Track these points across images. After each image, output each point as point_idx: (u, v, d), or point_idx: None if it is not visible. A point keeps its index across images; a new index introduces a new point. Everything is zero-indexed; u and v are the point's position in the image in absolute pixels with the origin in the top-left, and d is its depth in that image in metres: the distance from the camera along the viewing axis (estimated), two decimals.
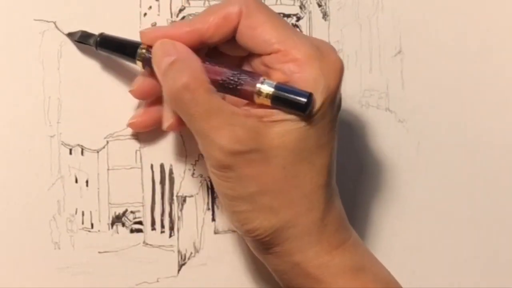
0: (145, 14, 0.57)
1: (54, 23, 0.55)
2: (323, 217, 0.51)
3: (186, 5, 0.57)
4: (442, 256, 0.61)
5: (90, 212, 0.56)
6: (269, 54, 0.50)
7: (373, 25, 0.60)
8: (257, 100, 0.49)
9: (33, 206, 0.55)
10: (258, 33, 0.50)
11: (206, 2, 0.57)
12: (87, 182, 0.56)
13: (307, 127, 0.49)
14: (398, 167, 0.60)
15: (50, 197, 0.55)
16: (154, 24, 0.56)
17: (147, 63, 0.52)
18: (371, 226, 0.60)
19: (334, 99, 0.50)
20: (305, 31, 0.58)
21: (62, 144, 0.55)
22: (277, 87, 0.49)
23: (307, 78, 0.49)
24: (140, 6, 0.57)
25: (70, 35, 0.55)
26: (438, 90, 0.60)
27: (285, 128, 0.49)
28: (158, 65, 0.51)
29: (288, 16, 0.59)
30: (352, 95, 0.59)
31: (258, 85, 0.49)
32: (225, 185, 0.50)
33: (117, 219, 0.56)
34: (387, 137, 0.60)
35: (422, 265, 0.60)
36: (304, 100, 0.48)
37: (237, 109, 0.49)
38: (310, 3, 0.59)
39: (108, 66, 0.56)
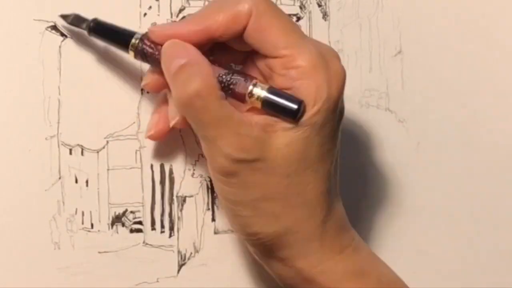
0: (145, 14, 0.57)
1: (54, 23, 0.55)
2: (325, 222, 0.51)
3: (186, 5, 0.57)
4: (442, 256, 0.61)
5: (90, 212, 0.56)
6: (275, 57, 0.50)
7: (373, 25, 0.60)
8: (248, 101, 0.50)
9: (33, 206, 0.55)
10: (266, 36, 0.50)
11: (206, 2, 0.57)
12: (87, 182, 0.56)
13: (311, 136, 0.49)
14: (398, 167, 0.60)
15: (50, 197, 0.55)
16: (154, 24, 0.56)
17: (139, 54, 0.52)
18: (371, 226, 0.60)
19: (336, 107, 0.50)
20: (305, 31, 0.58)
21: (62, 144, 0.55)
22: (269, 91, 0.49)
23: (310, 86, 0.49)
24: (140, 6, 0.57)
25: (63, 17, 0.54)
26: (438, 90, 0.60)
27: (289, 138, 0.49)
28: (168, 66, 0.50)
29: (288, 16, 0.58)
30: (352, 95, 0.59)
31: (250, 87, 0.49)
32: (227, 190, 0.50)
33: (117, 219, 0.56)
34: (387, 137, 0.60)
35: (422, 265, 0.60)
36: (295, 106, 0.48)
37: (244, 117, 0.49)
38: (310, 3, 0.59)
39: (108, 66, 0.56)
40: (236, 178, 0.49)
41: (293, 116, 0.49)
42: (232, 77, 0.50)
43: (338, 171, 0.53)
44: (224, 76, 0.50)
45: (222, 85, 0.50)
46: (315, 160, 0.50)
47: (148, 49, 0.51)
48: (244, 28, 0.50)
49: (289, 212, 0.50)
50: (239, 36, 0.51)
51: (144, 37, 0.52)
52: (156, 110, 0.55)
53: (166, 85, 0.52)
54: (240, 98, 0.50)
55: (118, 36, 0.53)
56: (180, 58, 0.49)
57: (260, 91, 0.49)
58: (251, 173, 0.49)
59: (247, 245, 0.52)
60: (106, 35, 0.53)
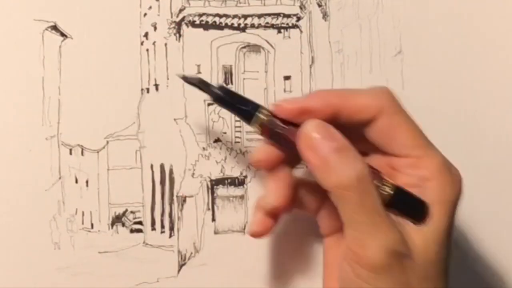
0: (145, 14, 0.57)
1: (54, 23, 0.55)
2: None
3: (186, 5, 0.57)
4: None
5: (90, 212, 0.56)
6: (403, 157, 0.50)
7: (373, 25, 0.60)
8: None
9: (33, 206, 0.55)
10: (397, 134, 0.50)
11: (206, 2, 0.58)
12: (87, 182, 0.56)
13: (443, 237, 0.49)
14: None
15: (50, 198, 0.55)
16: (154, 24, 0.56)
17: (267, 132, 0.50)
18: None
19: (455, 210, 0.50)
20: (305, 31, 0.58)
21: (62, 144, 0.55)
22: (397, 191, 0.49)
23: (438, 188, 0.49)
24: (140, 6, 0.57)
25: (184, 78, 0.52)
26: (438, 90, 0.60)
27: (429, 237, 0.48)
28: (314, 148, 0.48)
29: (288, 16, 0.59)
30: None
31: (377, 184, 0.48)
32: None
33: (117, 219, 0.56)
34: None
35: None
36: (421, 208, 0.48)
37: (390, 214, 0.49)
38: (310, 3, 0.59)
39: (108, 66, 0.56)
40: (386, 275, 0.47)
41: (419, 219, 0.48)
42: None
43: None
44: None
45: None
46: (445, 267, 0.49)
47: (279, 127, 0.50)
48: (368, 121, 0.50)
49: None
50: (361, 126, 0.50)
51: (268, 111, 0.50)
52: (257, 207, 0.52)
53: (278, 164, 0.51)
54: None
55: (242, 110, 0.50)
56: (334, 141, 0.48)
57: (388, 190, 0.49)
58: (401, 271, 0.47)
59: None
60: (231, 105, 0.51)
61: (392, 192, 0.49)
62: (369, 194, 0.47)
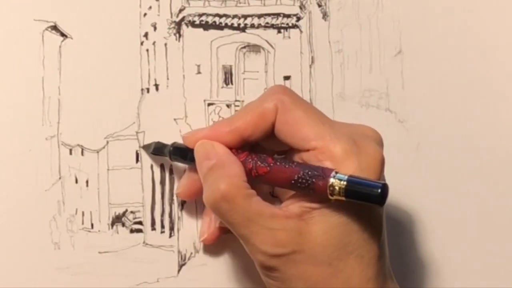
0: (145, 14, 0.57)
1: (54, 23, 0.55)
2: None
3: (186, 5, 0.57)
4: (442, 256, 0.61)
5: (90, 212, 0.56)
6: (307, 150, 0.50)
7: (373, 25, 0.60)
8: (331, 198, 0.48)
9: (33, 206, 0.55)
10: (295, 130, 0.50)
11: (206, 2, 0.57)
12: (87, 182, 0.56)
13: (350, 221, 0.49)
14: (398, 167, 0.60)
15: (50, 198, 0.55)
16: (154, 24, 0.56)
17: None
18: None
19: None
20: (305, 31, 0.58)
21: (62, 144, 0.55)
22: (350, 181, 0.48)
23: (344, 173, 0.48)
24: (140, 6, 0.57)
25: (144, 147, 0.56)
26: (438, 90, 0.60)
27: (327, 224, 0.49)
28: (200, 168, 0.51)
29: (288, 16, 0.59)
30: (352, 95, 0.59)
31: (331, 180, 0.48)
32: (272, 283, 0.50)
33: (117, 219, 0.56)
34: (387, 137, 0.60)
35: (422, 265, 0.60)
36: (378, 191, 0.47)
37: (277, 211, 0.49)
38: (310, 3, 0.59)
39: (108, 66, 0.56)
40: (277, 272, 0.49)
41: (379, 202, 0.47)
42: (310, 175, 0.49)
43: (387, 256, 0.51)
44: (302, 177, 0.49)
45: (303, 186, 0.49)
46: (358, 245, 0.49)
47: None
48: (273, 125, 0.51)
49: None
50: (269, 134, 0.51)
51: None
52: (206, 212, 0.56)
53: (199, 192, 0.52)
54: (322, 195, 0.48)
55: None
56: (210, 159, 0.50)
57: (340, 183, 0.48)
58: (292, 266, 0.49)
59: None
60: (185, 156, 0.54)
61: (345, 183, 0.48)
62: (234, 211, 0.49)
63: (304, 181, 0.49)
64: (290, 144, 0.51)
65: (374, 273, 0.50)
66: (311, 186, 0.49)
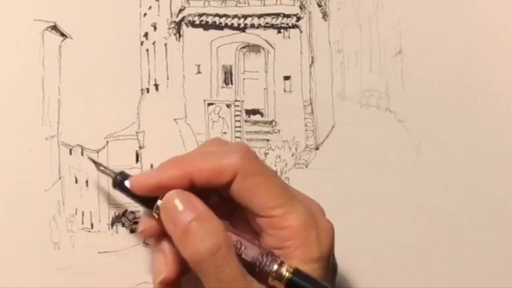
0: (145, 14, 0.57)
1: (54, 23, 0.55)
2: None
3: (186, 5, 0.57)
4: (442, 256, 0.61)
5: (90, 212, 0.56)
6: (264, 217, 0.49)
7: (373, 25, 0.60)
8: (271, 282, 0.48)
9: (33, 206, 0.55)
10: (254, 196, 0.49)
11: (206, 2, 0.57)
12: (87, 182, 0.56)
13: None
14: (398, 167, 0.60)
15: (50, 198, 0.55)
16: (154, 24, 0.56)
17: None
18: (371, 226, 0.60)
19: (329, 264, 0.50)
20: (305, 31, 0.58)
21: (62, 144, 0.55)
22: (296, 274, 0.48)
23: (301, 246, 0.48)
24: (140, 6, 0.57)
25: (93, 161, 0.54)
26: (438, 90, 0.60)
27: None
28: (174, 220, 0.48)
29: (288, 16, 0.59)
30: (352, 95, 0.59)
31: (275, 267, 0.48)
32: None
33: (117, 219, 0.56)
34: (387, 137, 0.60)
35: (422, 265, 0.60)
36: None
37: (256, 283, 0.48)
38: (310, 3, 0.59)
39: (109, 66, 0.56)
40: None
41: None
42: (267, 259, 0.48)
43: None
44: (261, 260, 0.48)
45: (257, 270, 0.48)
46: None
47: None
48: (228, 183, 0.49)
49: None
50: (223, 188, 0.49)
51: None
52: (157, 248, 0.52)
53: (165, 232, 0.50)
54: (264, 277, 0.48)
55: (141, 198, 0.50)
56: (190, 212, 0.48)
57: (285, 272, 0.48)
58: None
59: None
60: (128, 192, 0.51)
61: (290, 275, 0.48)
62: (224, 266, 0.47)
63: (262, 264, 0.48)
64: (246, 207, 0.50)
65: None
66: (263, 270, 0.48)
